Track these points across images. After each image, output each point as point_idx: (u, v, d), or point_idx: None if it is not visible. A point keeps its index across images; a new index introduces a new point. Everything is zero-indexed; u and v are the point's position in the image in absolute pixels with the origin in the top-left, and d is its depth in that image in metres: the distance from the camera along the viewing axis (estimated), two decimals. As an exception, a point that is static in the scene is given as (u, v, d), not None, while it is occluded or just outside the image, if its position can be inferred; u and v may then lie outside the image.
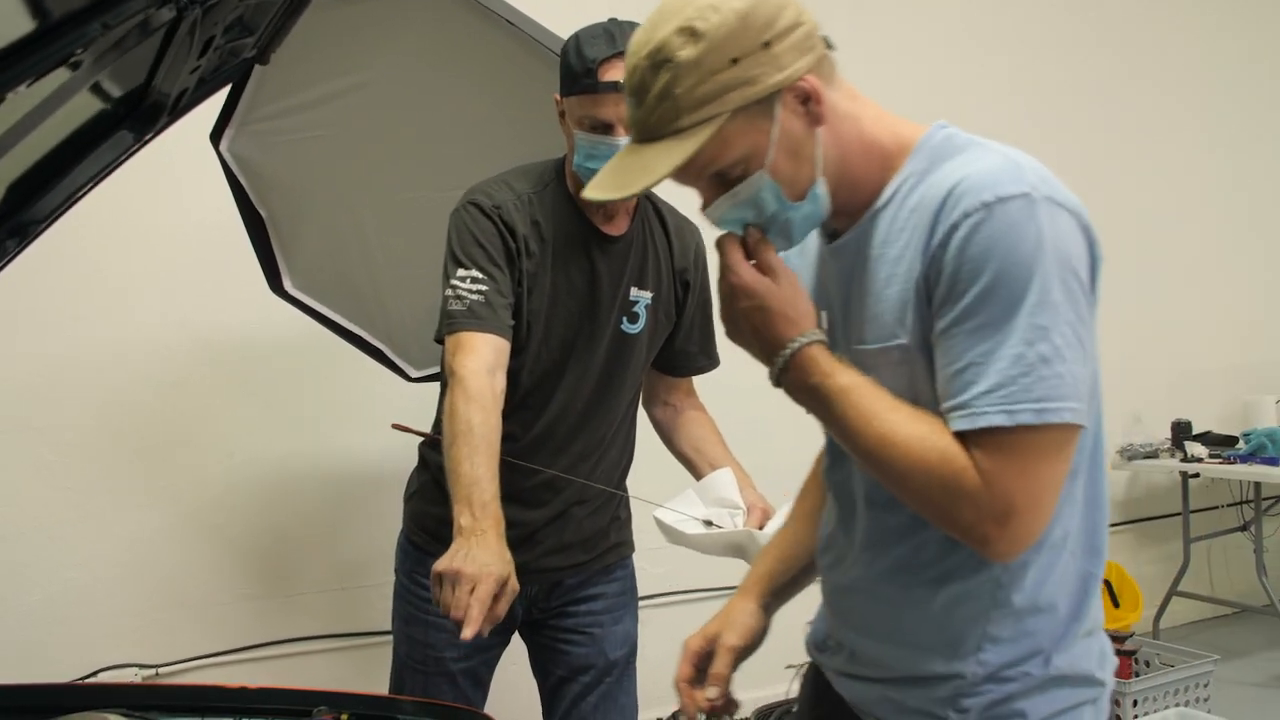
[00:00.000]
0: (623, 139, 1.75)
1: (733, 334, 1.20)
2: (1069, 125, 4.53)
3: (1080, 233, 1.09)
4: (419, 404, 2.52)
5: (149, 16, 1.08)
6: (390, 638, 3.08)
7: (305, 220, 2.39)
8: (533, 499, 1.92)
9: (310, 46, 1.98)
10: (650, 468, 2.18)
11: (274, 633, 3.10)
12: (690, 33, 1.06)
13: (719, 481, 1.89)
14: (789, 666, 2.99)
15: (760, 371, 1.20)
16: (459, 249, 1.81)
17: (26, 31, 0.96)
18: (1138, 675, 3.51)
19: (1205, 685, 3.54)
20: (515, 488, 1.78)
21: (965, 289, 1.05)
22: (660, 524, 1.83)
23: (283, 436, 3.15)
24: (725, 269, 1.17)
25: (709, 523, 1.83)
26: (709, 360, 2.11)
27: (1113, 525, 4.53)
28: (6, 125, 1.13)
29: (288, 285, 2.45)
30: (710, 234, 1.29)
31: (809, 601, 1.36)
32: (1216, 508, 4.69)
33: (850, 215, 1.19)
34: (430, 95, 2.20)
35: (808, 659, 1.40)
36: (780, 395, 1.20)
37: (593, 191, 1.15)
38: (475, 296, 1.76)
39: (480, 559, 1.51)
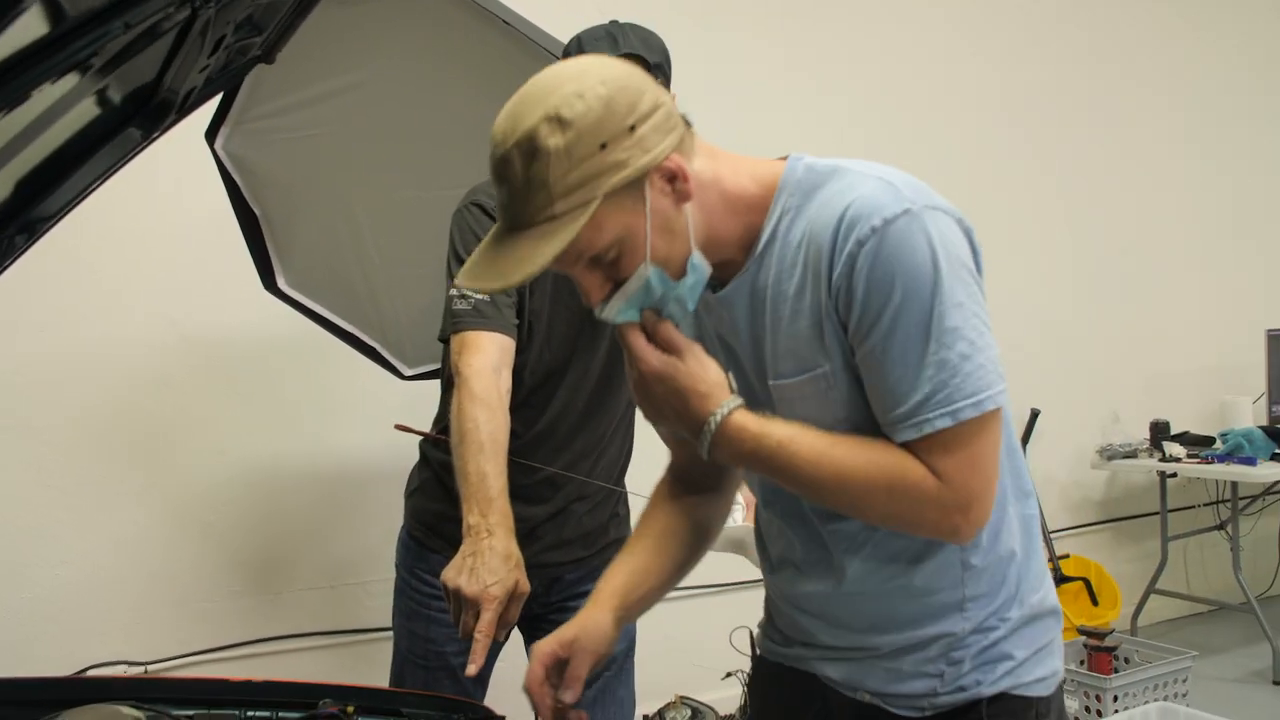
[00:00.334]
0: None
1: (654, 418, 1.25)
2: (1051, 130, 4.59)
3: (960, 230, 1.17)
4: (409, 402, 2.53)
5: (166, 15, 1.10)
6: (380, 635, 3.13)
7: (300, 218, 2.40)
8: (534, 495, 1.94)
9: (307, 45, 1.98)
10: (649, 465, 2.19)
11: (263, 630, 3.10)
12: (558, 121, 1.08)
13: None
14: (727, 675, 3.04)
15: None
16: (462, 249, 1.83)
17: (50, 30, 0.98)
18: (1117, 671, 3.56)
19: (1184, 681, 3.60)
20: (516, 484, 1.80)
21: (879, 311, 1.12)
22: None
23: (273, 435, 3.15)
24: (631, 358, 1.21)
25: None
26: None
27: (1091, 524, 4.60)
28: (23, 124, 1.15)
29: (282, 283, 2.46)
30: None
31: (736, 614, 1.36)
32: (1193, 507, 4.76)
33: (730, 264, 1.23)
34: (426, 95, 2.21)
35: (745, 666, 1.44)
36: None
37: (470, 280, 1.16)
38: (479, 295, 1.78)
39: (484, 575, 1.54)
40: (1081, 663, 3.63)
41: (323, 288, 2.50)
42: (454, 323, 1.79)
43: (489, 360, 1.74)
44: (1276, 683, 4.05)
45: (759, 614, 1.49)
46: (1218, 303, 5.01)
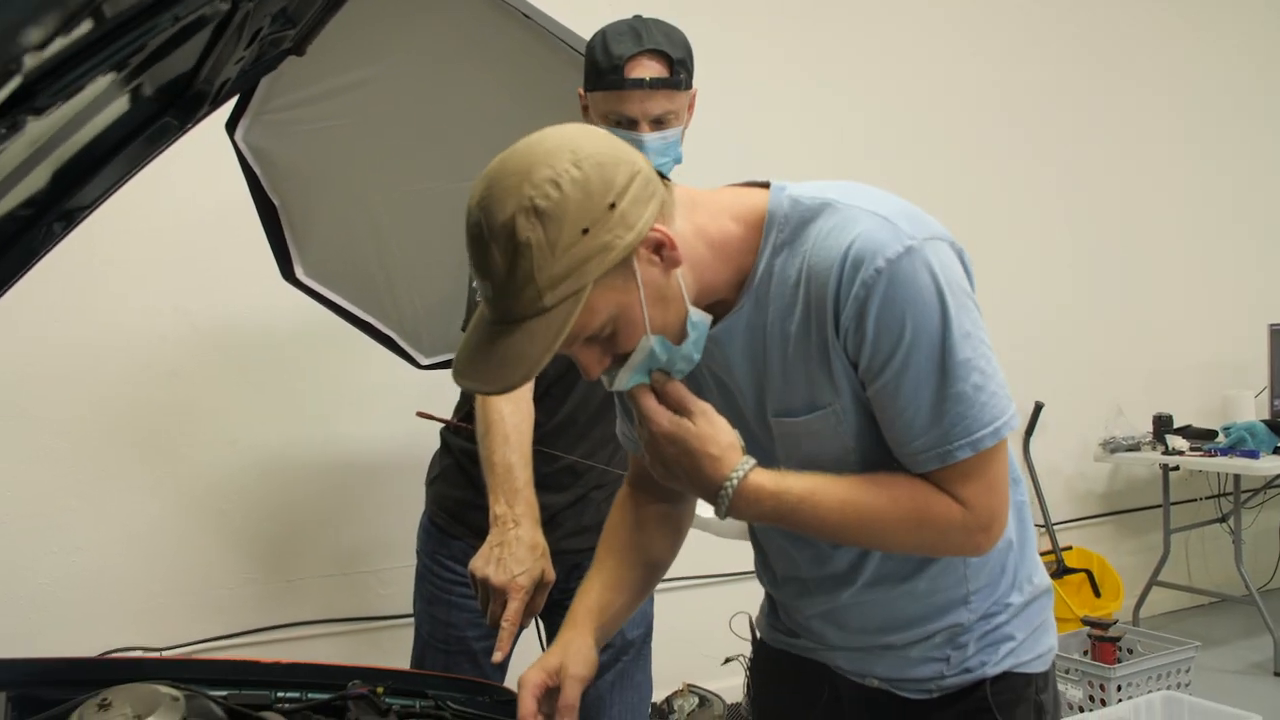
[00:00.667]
0: (646, 134, 1.80)
1: (668, 479, 1.23)
2: (1052, 128, 4.61)
3: (955, 254, 1.17)
4: (421, 391, 2.55)
5: (212, 8, 1.12)
6: (392, 622, 3.16)
7: (318, 209, 2.42)
8: (554, 484, 1.97)
9: (327, 38, 1.99)
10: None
11: (276, 617, 3.13)
12: (535, 213, 1.03)
13: None
14: (726, 661, 3.07)
15: None
16: None
17: (100, 25, 1.00)
18: (1121, 661, 3.60)
19: (1187, 671, 3.64)
20: (538, 473, 1.83)
21: (891, 351, 1.12)
22: None
23: (285, 424, 3.18)
24: (642, 420, 1.19)
25: None
26: None
27: (1094, 516, 4.63)
28: (67, 116, 1.17)
29: (300, 273, 2.48)
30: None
31: (741, 603, 1.38)
32: (1196, 500, 4.80)
33: (722, 302, 1.22)
34: (446, 87, 2.23)
35: (743, 651, 1.47)
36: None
37: (465, 380, 1.13)
38: None
39: (511, 565, 1.60)
40: (1085, 653, 3.66)
41: (340, 277, 2.52)
42: None
43: None
44: (1278, 674, 4.09)
45: (753, 604, 1.52)
46: (1220, 298, 5.04)
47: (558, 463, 1.96)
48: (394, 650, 2.92)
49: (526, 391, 1.78)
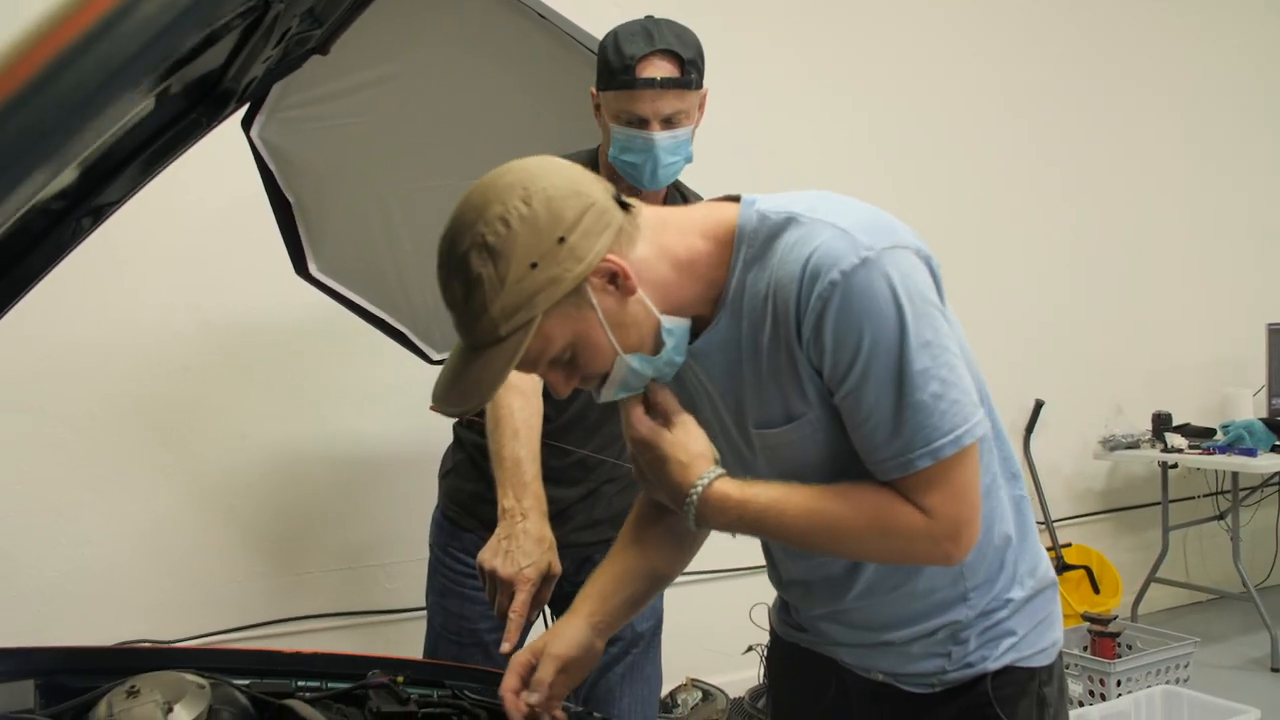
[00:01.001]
0: (657, 133, 1.83)
1: (646, 486, 1.28)
2: (1053, 127, 4.63)
3: (919, 261, 1.18)
4: (429, 388, 2.57)
5: (248, 7, 1.14)
6: (399, 616, 3.18)
7: (333, 205, 2.44)
8: (566, 477, 2.00)
9: (344, 36, 2.02)
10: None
11: (284, 610, 3.16)
12: (486, 249, 1.10)
13: None
14: (749, 649, 3.10)
15: None
16: None
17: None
18: (1120, 656, 3.63)
19: (1186, 666, 3.67)
20: (549, 467, 1.86)
21: (850, 362, 1.14)
22: None
23: (293, 420, 3.20)
24: (624, 426, 1.25)
25: None
26: None
27: (1094, 514, 4.64)
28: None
29: (313, 269, 2.50)
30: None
31: (745, 599, 1.40)
32: (1194, 497, 4.83)
33: (699, 317, 1.25)
34: (460, 86, 2.25)
35: (763, 640, 1.50)
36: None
37: (437, 403, 1.20)
38: None
39: (518, 557, 1.63)
40: (1085, 648, 3.69)
41: (354, 274, 2.54)
42: None
43: None
44: (1275, 670, 4.13)
45: (769, 595, 1.54)
46: (1219, 297, 5.07)
47: (569, 457, 1.99)
48: (401, 644, 2.94)
49: (536, 386, 1.81)
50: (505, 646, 1.59)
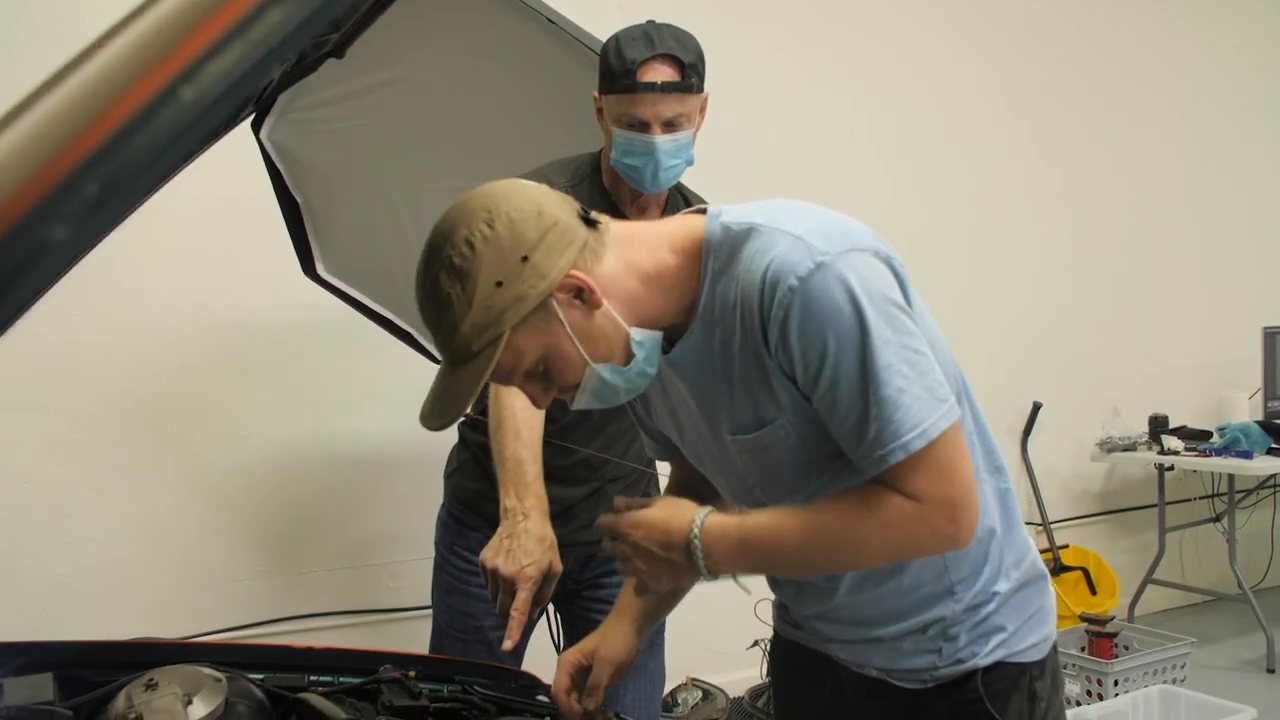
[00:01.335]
0: (658, 136, 1.85)
1: (655, 575, 1.29)
2: (1052, 128, 4.66)
3: (879, 262, 1.21)
4: (429, 387, 2.59)
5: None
6: (401, 614, 3.20)
7: (341, 207, 2.46)
8: (570, 477, 2.02)
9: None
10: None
11: (287, 609, 3.17)
12: (454, 270, 1.15)
13: None
14: (754, 644, 3.11)
15: None
16: None
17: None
18: (1117, 657, 3.66)
19: (1182, 667, 3.70)
20: (554, 466, 1.89)
21: (819, 365, 1.17)
22: None
23: (297, 419, 3.21)
24: (615, 537, 1.28)
25: None
26: None
27: (1090, 515, 4.65)
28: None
29: (321, 270, 2.52)
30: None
31: (746, 598, 1.43)
32: (1190, 499, 4.85)
33: (674, 326, 1.29)
34: (467, 87, 2.26)
35: (768, 635, 1.58)
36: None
37: (423, 418, 1.25)
38: None
39: (520, 556, 1.67)
40: (1083, 648, 3.72)
41: (361, 275, 2.56)
42: None
43: None
44: (1271, 671, 4.15)
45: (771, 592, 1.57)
46: (1215, 300, 5.10)
47: (573, 456, 2.01)
48: (403, 642, 2.95)
49: None
50: (507, 644, 1.63)
